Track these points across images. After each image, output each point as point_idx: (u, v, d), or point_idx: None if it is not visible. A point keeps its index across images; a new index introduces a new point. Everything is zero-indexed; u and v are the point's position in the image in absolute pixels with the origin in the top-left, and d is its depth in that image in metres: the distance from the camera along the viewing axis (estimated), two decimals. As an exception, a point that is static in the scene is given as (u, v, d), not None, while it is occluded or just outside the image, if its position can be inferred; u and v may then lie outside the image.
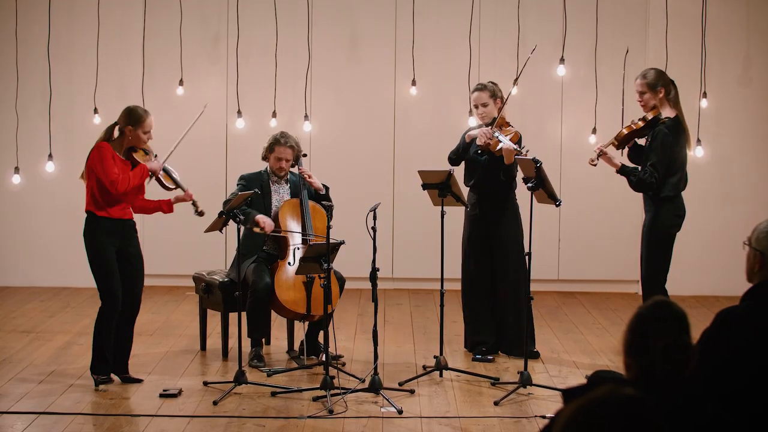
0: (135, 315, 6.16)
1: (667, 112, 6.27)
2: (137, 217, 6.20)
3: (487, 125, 6.70)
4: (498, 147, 6.52)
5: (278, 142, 6.66)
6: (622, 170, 6.27)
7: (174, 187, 6.19)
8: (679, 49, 8.86)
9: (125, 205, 6.03)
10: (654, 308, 2.85)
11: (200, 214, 6.19)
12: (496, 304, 6.80)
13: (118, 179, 5.85)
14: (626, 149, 6.51)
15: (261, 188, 6.63)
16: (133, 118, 5.99)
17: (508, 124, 6.68)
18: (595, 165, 6.45)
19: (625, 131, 6.33)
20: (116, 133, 6.03)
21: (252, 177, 6.74)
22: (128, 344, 6.15)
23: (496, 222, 6.75)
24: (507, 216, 6.75)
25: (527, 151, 6.36)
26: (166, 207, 6.22)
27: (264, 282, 6.44)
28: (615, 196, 9.24)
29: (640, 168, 6.27)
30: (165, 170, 6.14)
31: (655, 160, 6.15)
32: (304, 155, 6.86)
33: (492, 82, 6.84)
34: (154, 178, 6.09)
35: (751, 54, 9.17)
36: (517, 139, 6.60)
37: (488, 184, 6.73)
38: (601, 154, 6.29)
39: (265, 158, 6.77)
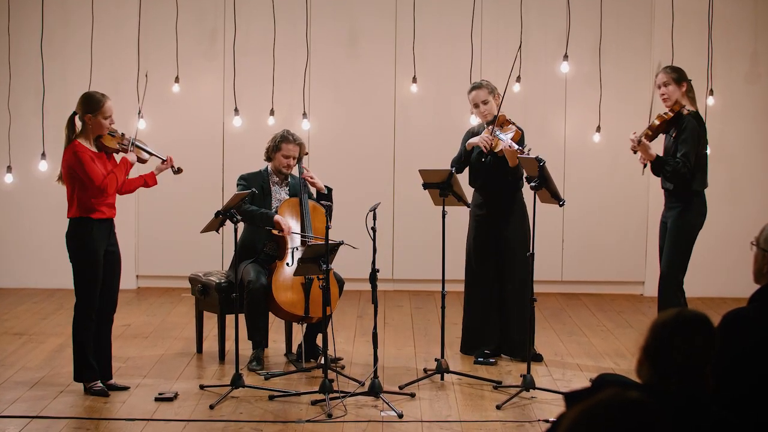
0: (113, 315, 6.09)
1: (688, 107, 6.38)
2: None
3: (488, 123, 6.71)
4: (499, 147, 6.52)
5: (286, 139, 6.68)
6: (657, 160, 6.35)
7: (149, 157, 6.16)
8: (685, 46, 8.85)
9: (113, 202, 5.99)
10: (687, 323, 2.80)
11: (178, 171, 6.15)
12: (503, 305, 6.80)
13: (105, 182, 5.81)
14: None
15: (261, 189, 6.64)
16: (91, 104, 5.89)
17: (508, 122, 6.66)
18: (635, 152, 6.48)
19: (657, 122, 6.42)
20: (79, 124, 5.95)
21: (252, 177, 6.74)
22: (109, 347, 6.07)
23: (504, 222, 6.73)
24: (515, 216, 6.74)
25: (529, 150, 6.36)
26: (150, 181, 6.17)
27: (260, 282, 6.44)
28: (619, 196, 9.24)
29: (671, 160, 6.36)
30: (137, 145, 6.07)
31: (686, 150, 6.26)
32: (305, 154, 6.85)
33: (485, 80, 6.86)
34: (137, 159, 6.06)
35: (758, 50, 9.16)
36: (519, 138, 6.58)
37: (494, 185, 6.72)
38: (641, 142, 6.33)
39: (269, 158, 6.76)
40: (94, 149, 5.95)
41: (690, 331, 2.78)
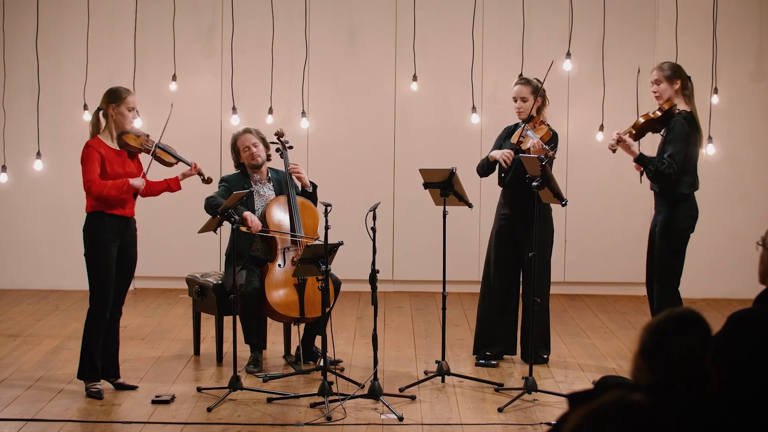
0: (120, 314, 6.14)
1: (681, 106, 6.32)
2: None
3: (523, 122, 6.71)
4: (527, 145, 6.52)
5: (236, 138, 6.78)
6: (640, 159, 6.30)
7: (175, 162, 6.19)
8: (689, 43, 8.86)
9: (131, 203, 6.01)
10: (681, 321, 2.82)
11: (207, 181, 6.21)
12: (520, 308, 6.79)
13: (94, 181, 5.82)
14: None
15: (243, 189, 6.64)
16: (114, 95, 5.97)
17: (542, 123, 6.67)
18: (614, 151, 6.46)
19: (642, 120, 6.36)
20: (102, 121, 6.00)
21: (234, 178, 6.73)
22: (116, 346, 6.13)
23: (526, 222, 6.70)
24: (539, 218, 6.66)
25: (555, 152, 6.36)
26: (174, 185, 6.20)
27: (252, 286, 6.43)
28: (623, 196, 9.24)
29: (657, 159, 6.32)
30: (162, 147, 6.11)
31: (673, 151, 6.19)
32: (290, 147, 6.82)
33: (538, 80, 6.82)
34: (153, 158, 6.06)
35: (763, 48, 9.16)
36: (549, 137, 6.58)
37: (519, 184, 6.67)
38: (620, 140, 6.30)
39: (238, 163, 6.78)
40: (115, 146, 5.97)
41: (685, 329, 2.80)
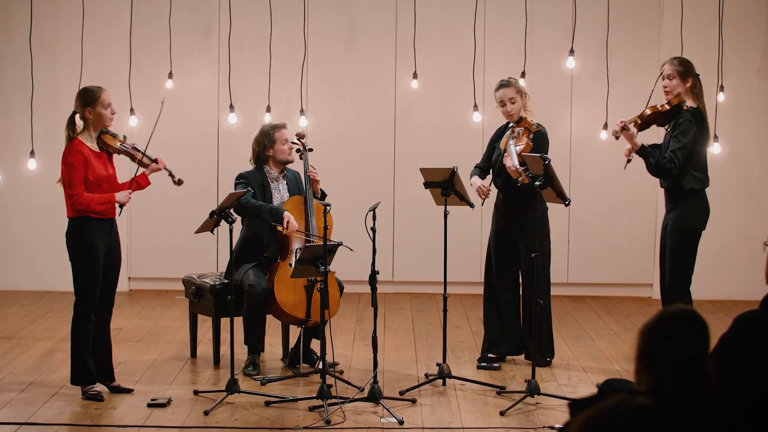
0: (110, 316, 6.13)
1: (689, 103, 6.33)
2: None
3: (514, 123, 6.70)
4: (507, 163, 6.50)
5: (276, 127, 6.74)
6: (641, 150, 6.30)
7: (150, 162, 6.19)
8: (694, 40, 8.85)
9: (112, 205, 6.00)
10: (676, 321, 2.80)
11: (179, 182, 6.19)
12: (523, 308, 6.80)
13: (79, 196, 5.81)
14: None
15: (261, 186, 6.64)
16: (88, 97, 5.93)
17: (528, 131, 6.62)
18: (617, 138, 6.45)
19: (648, 111, 6.37)
20: (79, 123, 5.98)
21: (251, 176, 6.71)
22: (108, 348, 6.12)
23: (523, 225, 6.68)
24: (533, 217, 6.66)
25: (529, 175, 6.18)
26: (143, 182, 6.15)
27: (261, 286, 6.43)
28: (627, 195, 9.24)
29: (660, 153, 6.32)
30: (138, 150, 6.09)
31: (676, 147, 6.20)
32: (310, 150, 6.83)
33: (513, 78, 6.83)
34: (139, 165, 6.07)
35: (770, 45, 9.16)
36: (529, 149, 6.55)
37: (511, 187, 6.63)
38: (624, 128, 6.29)
39: (263, 158, 6.73)
40: (95, 148, 5.96)
41: (680, 329, 2.78)
